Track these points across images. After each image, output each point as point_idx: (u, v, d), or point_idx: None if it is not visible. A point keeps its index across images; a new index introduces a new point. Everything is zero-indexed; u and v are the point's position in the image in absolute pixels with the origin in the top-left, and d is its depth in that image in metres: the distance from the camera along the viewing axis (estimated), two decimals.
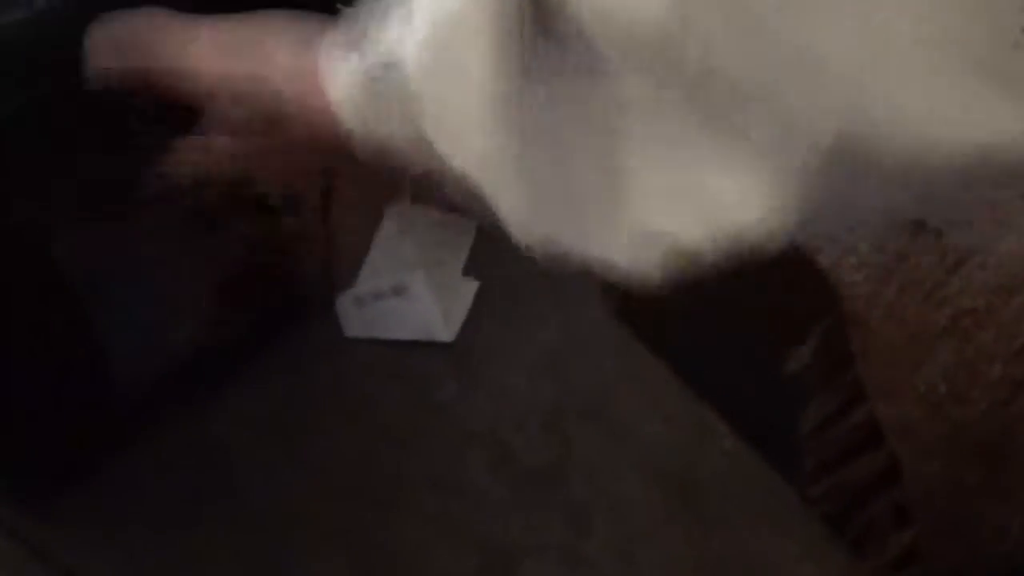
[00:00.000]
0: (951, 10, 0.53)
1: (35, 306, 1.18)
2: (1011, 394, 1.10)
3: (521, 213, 0.76)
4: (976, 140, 0.55)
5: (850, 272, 1.13)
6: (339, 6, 0.85)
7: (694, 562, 1.51)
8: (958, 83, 0.55)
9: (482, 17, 0.70)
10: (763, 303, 1.34)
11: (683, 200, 0.69)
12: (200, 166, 1.05)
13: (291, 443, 1.51)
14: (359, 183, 1.37)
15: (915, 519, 1.25)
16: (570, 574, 1.50)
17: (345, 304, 1.59)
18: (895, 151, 0.58)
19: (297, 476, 1.50)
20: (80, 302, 1.23)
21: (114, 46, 0.93)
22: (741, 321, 1.41)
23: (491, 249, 1.66)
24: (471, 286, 1.63)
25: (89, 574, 1.31)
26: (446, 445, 1.54)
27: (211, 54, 0.90)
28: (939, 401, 1.14)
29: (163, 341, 1.40)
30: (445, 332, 1.59)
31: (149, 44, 0.91)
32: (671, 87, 0.65)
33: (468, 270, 1.67)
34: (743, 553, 1.51)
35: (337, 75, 0.81)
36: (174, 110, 0.95)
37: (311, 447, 1.52)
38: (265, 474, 1.49)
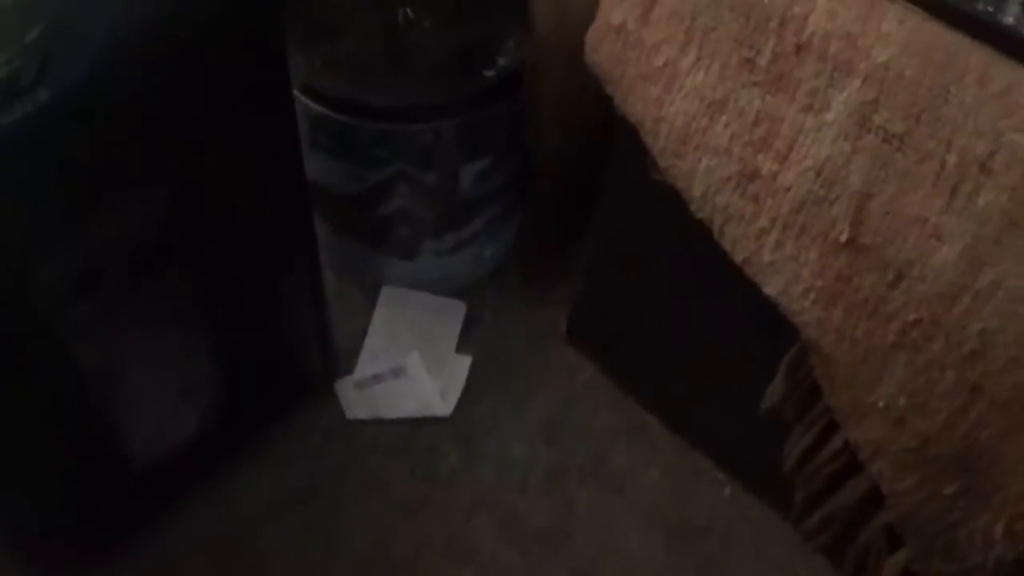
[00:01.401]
0: None
1: (54, 394, 1.20)
2: (968, 400, 1.09)
3: None
4: None
5: (798, 299, 1.14)
6: None
7: None
8: None
9: None
10: (731, 342, 1.35)
11: None
12: None
13: (308, 518, 1.53)
14: None
15: (905, 539, 1.24)
16: None
17: (346, 388, 1.61)
18: None
19: (317, 548, 1.51)
20: (96, 389, 1.25)
21: None
22: (717, 364, 1.42)
23: (482, 325, 1.68)
24: (464, 362, 1.65)
25: None
26: (454, 513, 1.55)
27: None
28: (901, 416, 1.14)
29: (178, 426, 1.41)
30: (443, 407, 1.61)
31: None
32: None
33: (461, 346, 1.66)
34: None
35: None
36: None
37: (328, 521, 1.53)
38: (286, 548, 1.51)
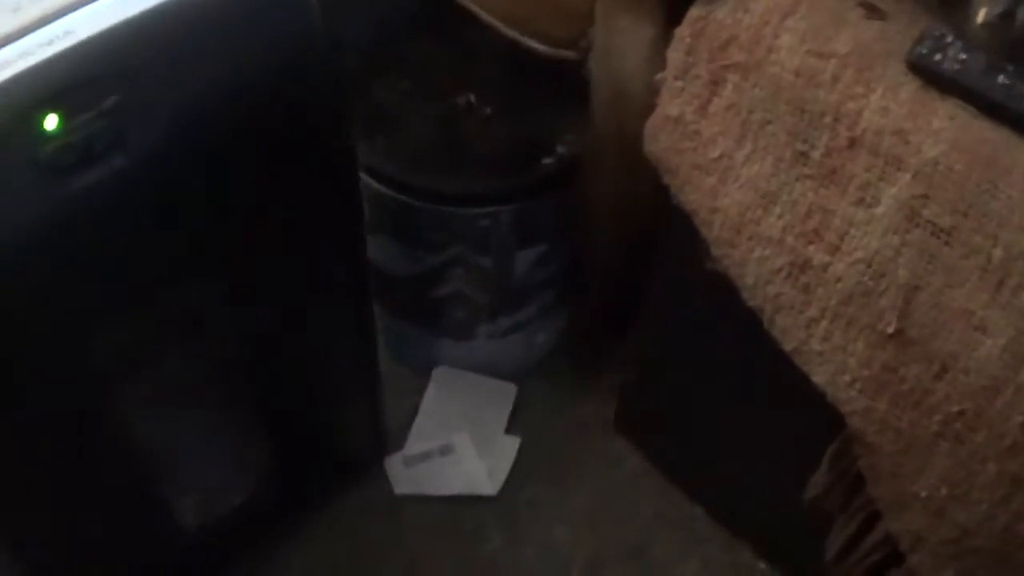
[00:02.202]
0: None
1: (109, 467, 1.21)
2: (1010, 491, 1.09)
3: None
4: None
5: (844, 389, 1.15)
6: None
7: None
8: None
9: None
10: (777, 431, 1.36)
11: None
12: None
13: None
14: None
15: None
16: None
17: (395, 464, 1.63)
18: None
19: None
20: (150, 463, 1.27)
21: None
22: (762, 455, 1.42)
23: (531, 409, 1.69)
24: (513, 443, 1.67)
25: None
26: None
27: None
28: (942, 506, 1.14)
29: (228, 499, 1.43)
30: (490, 487, 1.62)
31: None
32: None
33: (510, 428, 1.68)
34: None
35: None
36: None
37: None
38: None
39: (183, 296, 1.11)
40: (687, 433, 1.55)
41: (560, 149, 1.43)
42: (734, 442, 1.46)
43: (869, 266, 1.06)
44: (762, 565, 1.54)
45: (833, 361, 1.11)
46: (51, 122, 0.87)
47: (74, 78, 0.87)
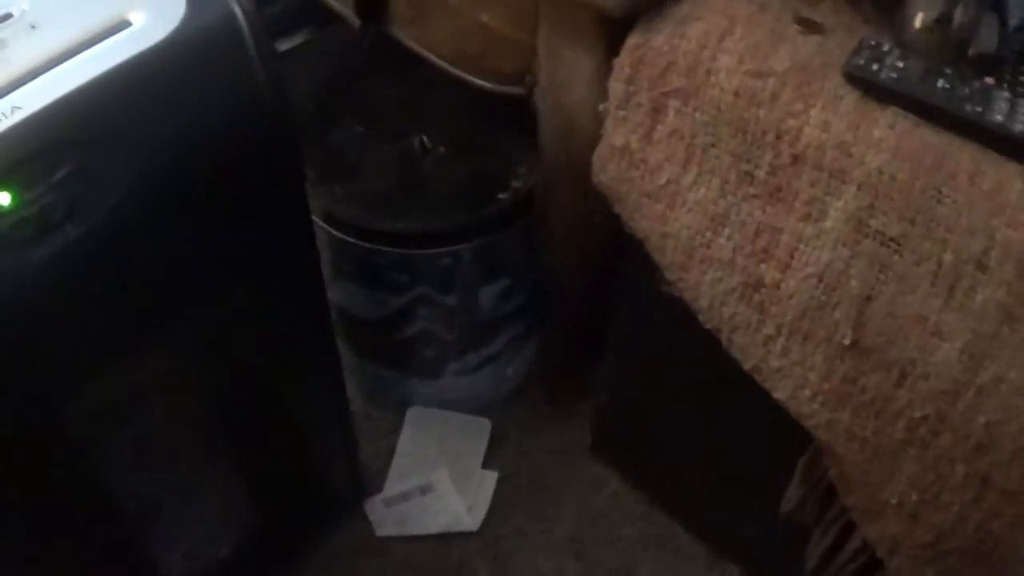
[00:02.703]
0: None
1: (89, 524, 1.20)
2: (980, 491, 1.09)
3: None
4: None
5: (807, 403, 1.16)
6: None
7: None
8: None
9: None
10: (750, 447, 1.36)
11: None
12: None
13: None
14: None
15: None
16: None
17: (376, 506, 1.62)
18: None
19: None
20: (130, 519, 1.27)
21: None
22: (737, 470, 1.43)
23: (507, 441, 1.69)
24: (491, 477, 1.67)
25: None
26: None
27: None
28: (915, 511, 1.14)
29: (211, 550, 1.43)
30: (471, 522, 1.62)
31: None
32: None
33: (487, 462, 1.68)
34: None
35: None
36: None
37: None
38: None
39: (150, 355, 1.11)
40: (664, 454, 1.56)
41: (515, 183, 1.44)
42: (710, 460, 1.47)
43: (821, 280, 1.06)
44: None
45: (793, 376, 1.11)
46: (4, 198, 0.87)
47: (24, 154, 0.87)
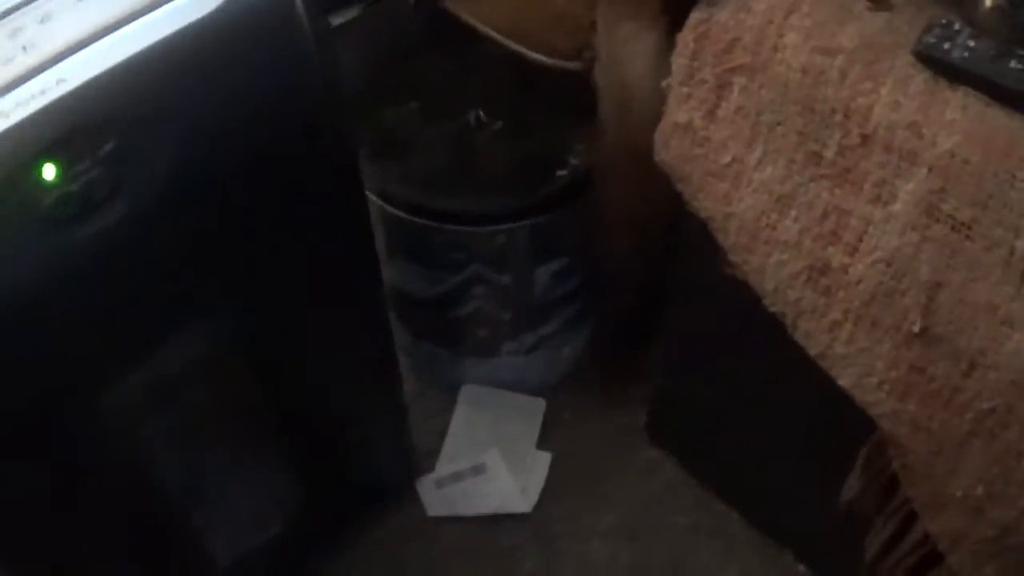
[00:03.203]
0: None
1: (136, 507, 1.21)
2: None
3: None
4: None
5: (872, 391, 1.13)
6: None
7: None
8: None
9: None
10: (809, 433, 1.33)
11: None
12: None
13: None
14: None
15: None
16: None
17: (427, 487, 1.61)
18: None
19: None
20: (178, 500, 1.26)
21: None
22: (796, 457, 1.40)
23: (561, 423, 1.67)
24: (545, 459, 1.65)
25: None
26: None
27: None
28: (979, 505, 1.11)
29: (260, 530, 1.43)
30: (523, 504, 1.60)
31: None
32: None
33: (540, 444, 1.66)
34: None
35: None
36: None
37: None
38: None
39: (198, 333, 1.10)
40: (720, 439, 1.54)
41: (573, 161, 1.41)
42: (767, 446, 1.44)
43: (889, 265, 1.03)
44: (802, 568, 1.52)
45: (859, 364, 1.09)
46: (49, 172, 0.86)
47: (70, 126, 0.85)
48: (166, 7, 0.90)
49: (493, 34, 1.33)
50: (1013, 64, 0.96)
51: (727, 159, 1.11)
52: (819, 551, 1.49)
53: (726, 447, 1.52)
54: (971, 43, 0.97)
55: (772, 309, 1.12)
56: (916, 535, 1.21)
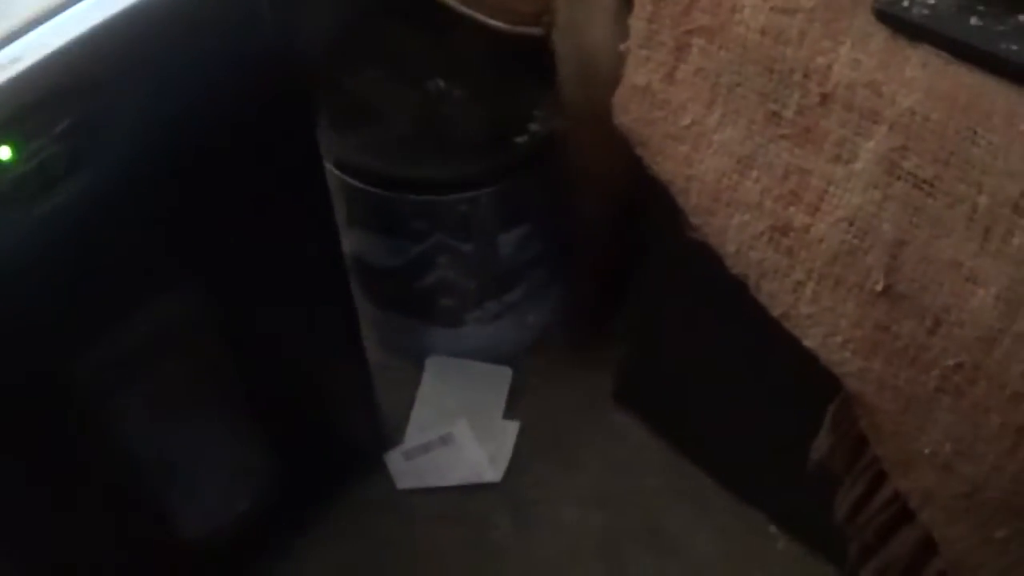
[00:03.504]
0: None
1: (105, 483, 1.20)
2: (1015, 441, 1.06)
3: None
4: None
5: (837, 351, 1.12)
6: None
7: None
8: None
9: None
10: (778, 394, 1.33)
11: None
12: None
13: None
14: None
15: None
16: None
17: (396, 459, 1.60)
18: None
19: None
20: (147, 475, 1.26)
21: None
22: (765, 419, 1.40)
23: (528, 390, 1.68)
24: (513, 427, 1.65)
25: None
26: None
27: None
28: (948, 462, 1.11)
29: (230, 505, 1.42)
30: (493, 473, 1.60)
31: None
32: None
33: (508, 412, 1.66)
34: None
35: None
36: None
37: None
38: None
39: (162, 307, 1.10)
40: (689, 402, 1.53)
41: (533, 127, 1.40)
42: (736, 408, 1.44)
43: (852, 224, 1.03)
44: (774, 528, 1.51)
45: (823, 323, 1.08)
46: (3, 153, 0.85)
47: (23, 106, 0.85)
48: None
49: (453, 2, 1.31)
50: (974, 21, 0.95)
51: (687, 121, 1.10)
52: (792, 511, 1.49)
53: (696, 410, 1.52)
54: (931, 0, 0.96)
55: (735, 271, 1.12)
56: (886, 493, 1.21)
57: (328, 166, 1.41)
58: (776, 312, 1.11)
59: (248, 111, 1.02)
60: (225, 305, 1.17)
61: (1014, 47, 0.93)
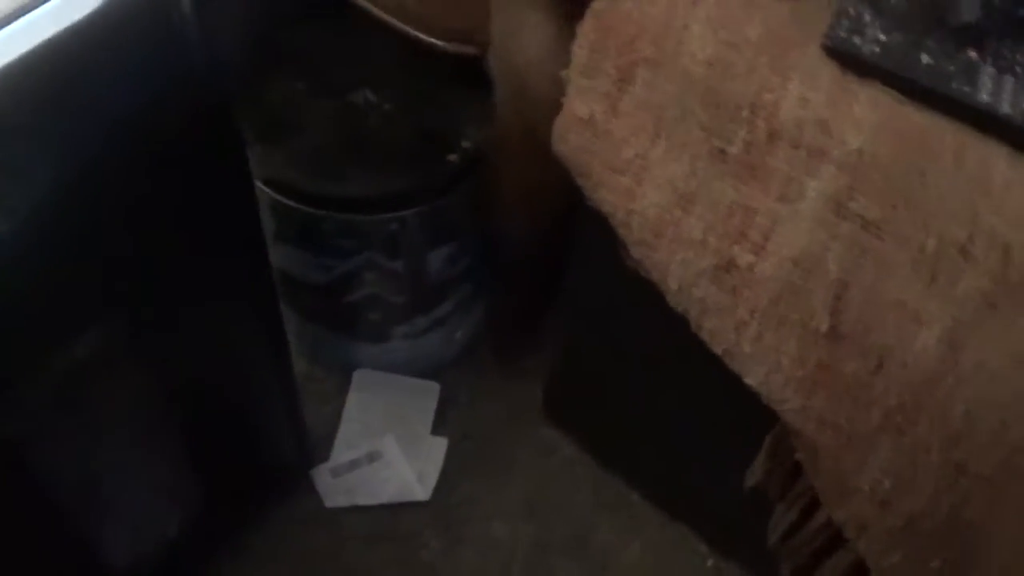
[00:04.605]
0: None
1: (26, 511, 1.13)
2: (954, 478, 1.04)
3: None
4: None
5: (779, 389, 1.09)
6: None
7: None
8: None
9: None
10: (710, 415, 1.30)
11: None
12: None
13: None
14: None
15: None
16: None
17: (323, 476, 1.55)
18: None
19: None
20: (70, 501, 1.19)
21: None
22: (697, 438, 1.37)
23: (456, 405, 1.63)
24: (440, 444, 1.60)
25: None
26: None
27: None
28: (886, 497, 1.09)
29: (157, 529, 1.36)
30: (422, 491, 1.55)
31: None
32: None
33: (436, 427, 1.61)
34: None
35: None
36: None
37: None
38: None
39: (88, 330, 1.04)
40: (618, 418, 1.50)
41: (464, 143, 1.35)
42: (666, 426, 1.41)
43: (797, 264, 0.99)
44: (703, 547, 1.48)
45: (766, 362, 1.05)
46: None
47: None
48: (32, 15, 0.82)
49: (383, 15, 1.25)
50: (925, 59, 0.93)
51: (629, 154, 1.05)
52: (722, 530, 1.47)
53: (625, 426, 1.49)
54: (882, 36, 0.93)
55: (677, 308, 1.08)
56: (820, 519, 1.19)
57: (256, 182, 1.35)
58: (718, 349, 1.07)
59: (173, 133, 0.97)
60: (149, 328, 1.11)
61: (965, 88, 0.91)
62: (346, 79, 1.42)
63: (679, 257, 1.06)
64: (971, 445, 0.97)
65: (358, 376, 1.61)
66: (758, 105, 0.96)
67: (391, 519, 1.53)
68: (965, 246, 0.91)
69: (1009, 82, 0.91)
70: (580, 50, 1.06)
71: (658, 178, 1.04)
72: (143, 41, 0.91)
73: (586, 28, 1.05)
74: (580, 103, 1.07)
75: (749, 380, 1.06)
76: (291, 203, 1.34)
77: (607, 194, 1.09)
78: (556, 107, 1.11)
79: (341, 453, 1.55)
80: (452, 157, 1.35)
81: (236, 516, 1.45)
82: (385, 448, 1.54)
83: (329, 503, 1.52)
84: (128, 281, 1.03)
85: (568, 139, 1.10)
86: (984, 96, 0.91)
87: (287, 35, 1.46)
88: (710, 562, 1.49)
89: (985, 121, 0.91)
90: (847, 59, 0.94)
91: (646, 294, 1.13)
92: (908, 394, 0.99)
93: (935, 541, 1.06)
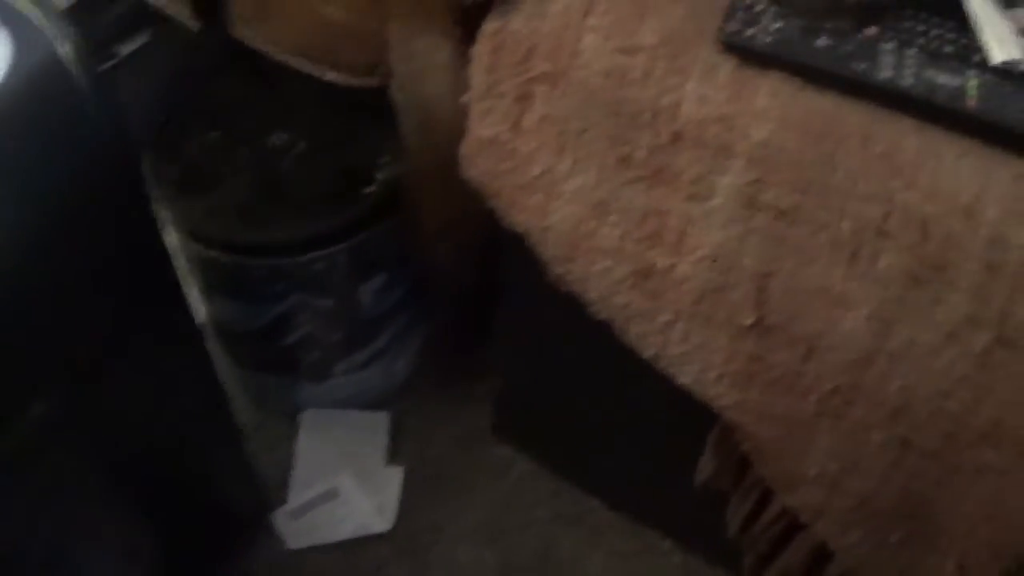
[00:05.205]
0: None
1: None
2: (899, 454, 1.02)
3: None
4: None
5: (713, 385, 1.06)
6: None
7: None
8: None
9: None
10: (656, 417, 1.27)
11: None
12: None
13: None
14: None
15: None
16: None
17: (283, 519, 1.51)
18: None
19: None
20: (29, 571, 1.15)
21: None
22: (646, 441, 1.34)
23: (408, 433, 1.61)
24: (397, 473, 1.56)
25: None
26: None
27: None
28: (835, 480, 1.06)
29: None
30: (382, 523, 1.52)
31: None
32: None
33: (391, 458, 1.58)
34: None
35: None
36: None
37: None
38: None
39: (19, 410, 1.01)
40: (568, 429, 1.48)
41: (379, 175, 1.32)
42: (615, 431, 1.39)
43: (715, 261, 0.97)
44: (668, 544, 1.46)
45: (696, 361, 1.03)
46: None
47: None
48: None
49: (283, 57, 1.21)
50: (821, 42, 0.90)
51: (537, 171, 1.02)
52: (684, 526, 1.44)
53: (575, 437, 1.47)
54: (776, 24, 0.91)
55: (601, 317, 1.05)
56: (776, 507, 1.17)
57: (179, 235, 1.32)
58: (647, 354, 1.06)
59: (81, 202, 0.95)
60: (84, 393, 1.08)
61: (863, 65, 0.88)
62: (261, 124, 1.39)
63: (597, 267, 1.03)
64: (912, 421, 0.95)
65: (306, 416, 1.58)
66: (659, 109, 0.94)
67: (355, 554, 1.49)
68: (881, 225, 0.89)
69: (912, 54, 0.88)
70: (477, 73, 1.03)
71: (568, 192, 1.02)
72: (44, 117, 0.89)
73: (480, 50, 1.02)
74: (483, 126, 1.04)
75: (682, 380, 1.05)
76: (216, 254, 1.31)
77: (519, 213, 1.06)
78: (462, 133, 1.08)
79: (298, 494, 1.51)
80: (369, 190, 1.31)
81: (198, 568, 1.40)
82: (340, 485, 1.51)
83: (292, 545, 1.49)
84: (50, 346, 1.01)
85: (476, 163, 1.07)
86: (886, 72, 0.89)
87: (201, 88, 1.42)
88: (676, 558, 1.46)
89: (890, 97, 0.89)
90: (744, 52, 0.92)
91: (575, 306, 1.11)
92: (842, 378, 0.97)
93: (892, 517, 1.04)
